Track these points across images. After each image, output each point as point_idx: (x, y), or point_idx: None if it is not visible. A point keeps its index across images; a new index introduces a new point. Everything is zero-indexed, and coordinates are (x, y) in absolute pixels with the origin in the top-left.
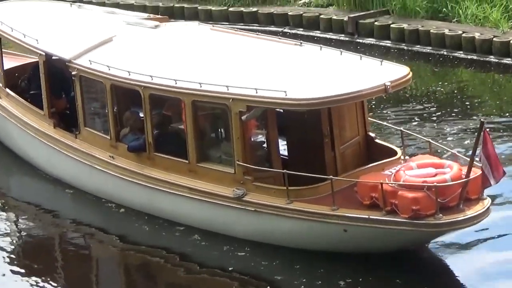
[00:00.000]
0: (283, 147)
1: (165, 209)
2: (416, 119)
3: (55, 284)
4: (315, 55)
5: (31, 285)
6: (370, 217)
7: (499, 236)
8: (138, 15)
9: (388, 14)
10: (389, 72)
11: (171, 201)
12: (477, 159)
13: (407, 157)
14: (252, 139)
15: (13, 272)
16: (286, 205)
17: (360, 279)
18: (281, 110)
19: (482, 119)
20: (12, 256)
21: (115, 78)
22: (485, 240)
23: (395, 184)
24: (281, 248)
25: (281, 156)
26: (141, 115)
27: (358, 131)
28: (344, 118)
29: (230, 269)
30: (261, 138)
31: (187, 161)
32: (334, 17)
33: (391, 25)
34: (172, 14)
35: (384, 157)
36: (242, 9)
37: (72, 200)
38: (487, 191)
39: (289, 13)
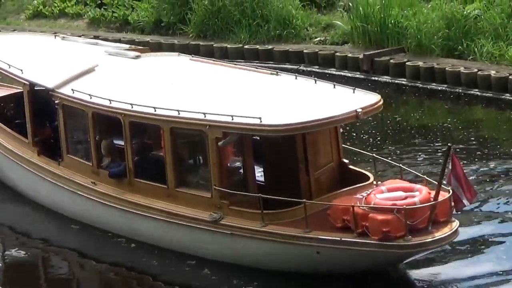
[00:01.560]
0: (260, 173)
1: (145, 233)
2: (423, 156)
3: None
4: (290, 84)
5: None
6: (342, 239)
7: (468, 254)
8: (119, 46)
9: (404, 52)
10: (360, 100)
11: (151, 225)
12: (445, 182)
13: (379, 182)
14: (229, 165)
15: None
16: (261, 228)
17: None
18: (258, 138)
19: (449, 144)
20: None
21: (96, 106)
22: (455, 259)
23: (366, 207)
24: (258, 270)
25: (258, 182)
26: (121, 142)
27: (332, 157)
28: (318, 144)
29: None
30: (237, 163)
31: (166, 186)
32: (350, 55)
33: (407, 63)
34: (187, 51)
35: (357, 182)
36: (257, 46)
37: (56, 226)
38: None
39: (305, 51)
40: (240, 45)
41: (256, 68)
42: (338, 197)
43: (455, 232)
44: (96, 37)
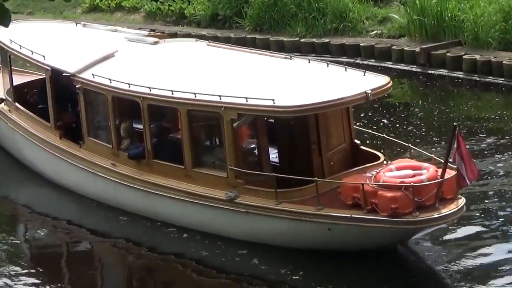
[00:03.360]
0: (274, 154)
1: (163, 212)
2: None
3: None
4: (303, 67)
5: None
6: (352, 216)
7: (473, 233)
8: (139, 33)
9: (460, 45)
10: (370, 82)
11: (168, 204)
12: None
13: (389, 162)
14: (244, 145)
15: (21, 278)
16: (275, 206)
17: (344, 276)
18: (272, 120)
19: (455, 123)
20: (21, 262)
21: (116, 90)
22: (461, 237)
23: (375, 184)
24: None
25: (273, 163)
26: (140, 126)
27: (344, 139)
28: (330, 126)
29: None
30: (252, 144)
31: (183, 167)
32: (406, 48)
33: (463, 56)
34: (243, 44)
35: (368, 162)
36: (314, 40)
37: (77, 207)
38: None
39: (361, 44)
40: (297, 39)
41: (271, 52)
42: (349, 176)
43: (462, 209)
44: (152, 31)
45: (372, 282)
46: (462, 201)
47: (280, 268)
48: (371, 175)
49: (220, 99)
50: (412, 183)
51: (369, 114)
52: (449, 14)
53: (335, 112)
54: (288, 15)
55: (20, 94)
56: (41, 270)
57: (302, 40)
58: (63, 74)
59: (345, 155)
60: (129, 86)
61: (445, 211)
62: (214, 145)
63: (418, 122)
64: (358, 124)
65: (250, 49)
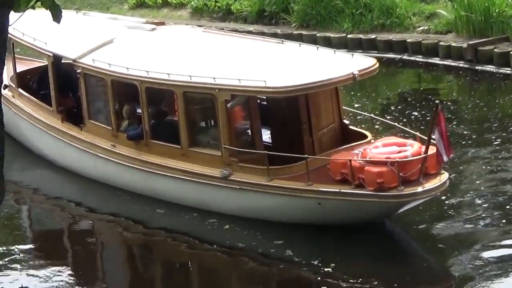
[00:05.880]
0: (267, 135)
1: (161, 190)
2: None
3: (71, 273)
4: (293, 51)
5: (48, 274)
6: (341, 190)
7: (456, 208)
8: (137, 20)
9: (508, 41)
10: (358, 63)
11: (166, 182)
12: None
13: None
14: (237, 125)
15: (25, 258)
16: (267, 182)
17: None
18: (265, 103)
19: (437, 102)
20: (25, 242)
21: (115, 74)
22: (446, 211)
23: (362, 160)
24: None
25: (265, 143)
26: (138, 110)
27: (333, 119)
28: (320, 107)
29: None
30: (245, 124)
31: (179, 147)
32: (453, 44)
33: (511, 52)
34: (290, 40)
35: (357, 141)
36: (360, 36)
37: (78, 187)
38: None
39: (408, 40)
40: (343, 35)
41: (264, 37)
42: (338, 153)
43: (444, 183)
44: (199, 27)
45: (361, 255)
46: (445, 176)
47: (271, 242)
48: (358, 152)
49: (215, 81)
50: (397, 159)
51: (417, 110)
52: (497, 10)
53: (325, 93)
54: (334, 10)
55: (23, 80)
56: (44, 249)
57: (349, 36)
58: (63, 61)
59: (335, 135)
60: (128, 70)
61: (428, 185)
62: (209, 126)
63: (466, 117)
64: (404, 120)
65: (244, 35)
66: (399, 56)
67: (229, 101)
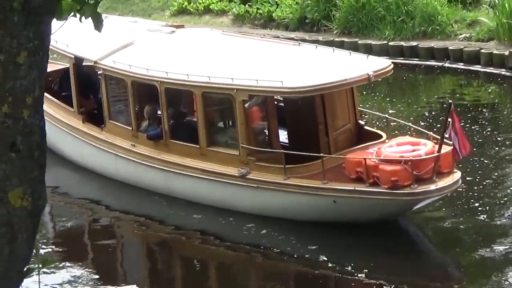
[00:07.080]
0: (284, 136)
1: (180, 190)
2: None
3: (91, 270)
4: (310, 53)
5: (68, 272)
6: (356, 188)
7: (468, 207)
8: (157, 23)
9: None
10: (373, 64)
11: (185, 181)
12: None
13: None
14: (255, 125)
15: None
16: (283, 181)
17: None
18: (282, 104)
19: (450, 101)
20: (45, 240)
21: (135, 75)
22: (456, 210)
23: (376, 159)
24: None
25: (282, 143)
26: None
27: (349, 119)
28: (336, 107)
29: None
30: (262, 124)
31: (198, 146)
32: (495, 52)
33: None
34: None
35: (372, 141)
36: (402, 43)
37: (99, 186)
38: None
39: (450, 48)
40: (385, 42)
41: (280, 39)
42: (353, 152)
43: (457, 182)
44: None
45: (375, 252)
46: (457, 174)
47: (288, 240)
48: (373, 151)
49: (233, 81)
50: (411, 157)
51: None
52: None
53: (341, 94)
54: (376, 18)
55: (45, 82)
56: (65, 247)
57: (391, 43)
58: (84, 64)
59: (350, 135)
60: (148, 71)
61: (441, 183)
62: (227, 125)
63: (501, 124)
64: (438, 126)
65: (261, 37)
66: (440, 64)
67: (247, 101)
